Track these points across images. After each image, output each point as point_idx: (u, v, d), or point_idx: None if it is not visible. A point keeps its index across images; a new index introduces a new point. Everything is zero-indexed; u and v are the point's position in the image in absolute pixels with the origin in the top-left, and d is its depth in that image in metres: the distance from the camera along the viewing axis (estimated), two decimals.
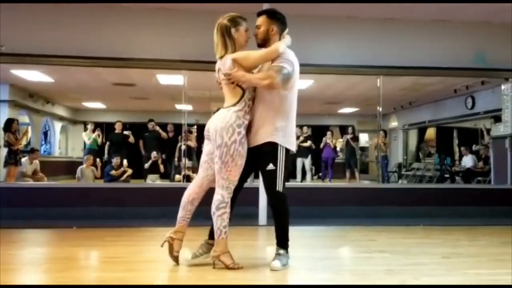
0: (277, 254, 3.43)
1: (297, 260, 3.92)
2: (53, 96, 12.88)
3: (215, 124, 3.29)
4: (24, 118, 12.40)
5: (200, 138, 10.69)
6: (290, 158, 10.95)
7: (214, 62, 3.48)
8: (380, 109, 7.74)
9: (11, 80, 10.03)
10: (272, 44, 3.37)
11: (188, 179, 7.90)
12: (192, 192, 3.45)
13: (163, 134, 10.15)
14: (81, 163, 10.09)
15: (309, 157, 11.21)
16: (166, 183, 9.01)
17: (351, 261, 4.09)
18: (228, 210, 3.33)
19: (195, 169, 9.71)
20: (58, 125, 14.89)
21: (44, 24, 6.42)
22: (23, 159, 8.84)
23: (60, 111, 14.54)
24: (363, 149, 15.51)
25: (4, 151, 8.45)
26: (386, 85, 7.96)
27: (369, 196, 7.03)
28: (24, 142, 9.08)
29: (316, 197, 6.92)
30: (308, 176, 11.32)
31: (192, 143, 9.80)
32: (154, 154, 9.67)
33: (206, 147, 3.44)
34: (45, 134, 14.77)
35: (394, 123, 14.82)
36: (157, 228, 5.20)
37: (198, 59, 6.42)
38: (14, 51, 6.27)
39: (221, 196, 3.31)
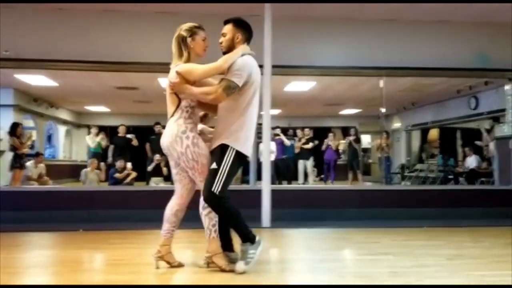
0: (240, 252, 3.38)
1: (299, 262, 3.94)
2: (56, 100, 12.96)
3: (165, 141, 3.36)
4: (28, 122, 12.47)
5: None
6: (292, 159, 10.79)
7: None
8: (383, 110, 7.72)
9: (15, 85, 10.09)
10: None
11: None
12: (174, 204, 3.49)
13: None
14: (85, 166, 10.13)
15: (311, 159, 11.20)
16: (169, 186, 9.01)
17: (354, 263, 4.09)
18: None
19: None
20: (62, 129, 14.96)
21: (47, 29, 6.45)
22: (28, 163, 8.90)
23: (64, 115, 14.61)
24: (365, 150, 15.47)
25: (10, 155, 8.50)
26: (388, 86, 7.96)
27: (372, 198, 7.01)
28: (28, 144, 9.08)
29: (318, 199, 6.91)
30: (310, 178, 11.31)
31: None
32: (157, 157, 9.69)
33: (171, 161, 3.49)
34: (49, 137, 14.83)
35: (397, 124, 14.78)
36: (160, 230, 5.21)
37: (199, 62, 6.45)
38: (18, 56, 6.31)
39: None
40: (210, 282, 3.13)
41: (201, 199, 3.33)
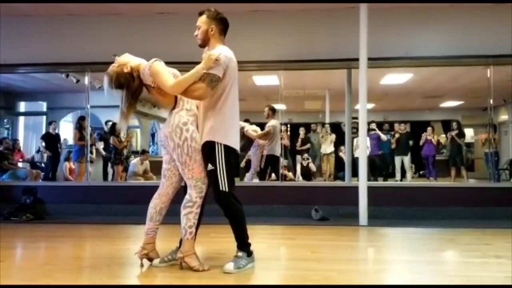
0: (234, 256, 3.34)
1: (402, 264, 3.77)
2: None
3: (164, 131, 3.36)
4: (134, 121, 13.36)
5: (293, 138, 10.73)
6: (389, 155, 10.28)
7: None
8: (492, 101, 7.13)
9: None
10: (212, 45, 3.34)
11: (284, 177, 7.97)
12: (159, 201, 3.51)
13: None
14: None
15: (409, 154, 10.70)
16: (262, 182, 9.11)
17: (464, 266, 3.78)
18: (195, 210, 3.30)
19: (289, 168, 9.76)
20: None
21: (150, 34, 6.87)
22: (134, 160, 9.56)
23: (166, 114, 15.38)
24: (468, 145, 14.43)
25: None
26: (495, 75, 7.35)
27: (479, 196, 6.53)
28: (124, 143, 9.69)
29: (419, 197, 6.60)
30: (408, 174, 10.81)
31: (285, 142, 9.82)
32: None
33: (165, 156, 3.48)
34: (153, 136, 15.80)
35: (504, 117, 13.66)
36: (205, 225, 5.23)
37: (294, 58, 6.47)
38: None
39: (189, 195, 3.32)
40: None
41: (186, 197, 3.33)
